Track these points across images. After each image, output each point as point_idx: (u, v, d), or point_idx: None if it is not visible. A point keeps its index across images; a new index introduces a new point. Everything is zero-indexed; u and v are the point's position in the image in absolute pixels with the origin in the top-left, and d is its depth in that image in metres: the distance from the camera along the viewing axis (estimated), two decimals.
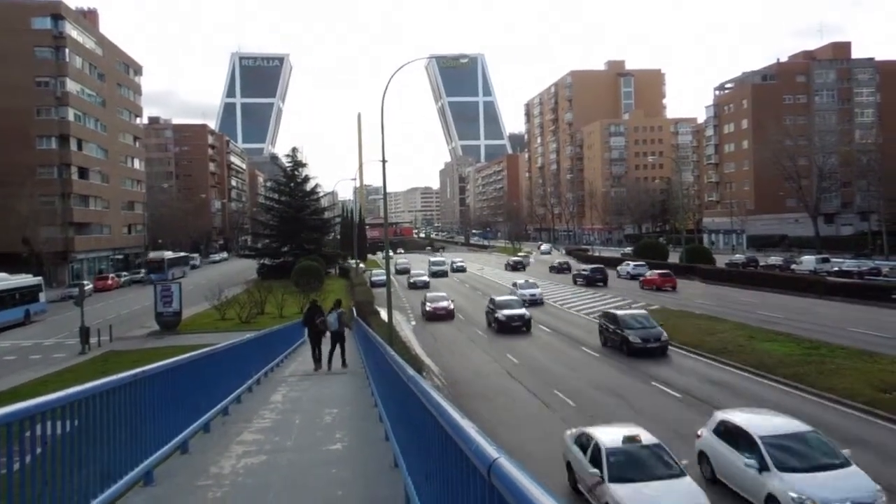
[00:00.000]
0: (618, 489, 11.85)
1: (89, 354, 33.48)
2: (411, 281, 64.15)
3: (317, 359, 20.04)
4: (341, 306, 21.62)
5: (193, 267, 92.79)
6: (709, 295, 48.23)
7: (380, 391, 11.08)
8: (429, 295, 45.85)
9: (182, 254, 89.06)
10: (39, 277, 51.43)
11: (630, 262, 66.52)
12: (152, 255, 79.22)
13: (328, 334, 20.35)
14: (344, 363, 20.11)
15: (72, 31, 74.61)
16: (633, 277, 59.77)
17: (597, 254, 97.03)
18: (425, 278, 64.84)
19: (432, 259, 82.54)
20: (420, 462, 5.25)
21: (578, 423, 16.46)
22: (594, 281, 58.40)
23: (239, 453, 9.00)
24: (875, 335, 29.20)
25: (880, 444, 15.93)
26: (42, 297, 50.34)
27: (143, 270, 78.47)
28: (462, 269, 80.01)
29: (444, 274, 75.20)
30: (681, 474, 12.37)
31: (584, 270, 61.91)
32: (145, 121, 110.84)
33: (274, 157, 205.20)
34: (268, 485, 7.53)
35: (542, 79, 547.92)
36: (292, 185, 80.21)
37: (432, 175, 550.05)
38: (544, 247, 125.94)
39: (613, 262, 72.89)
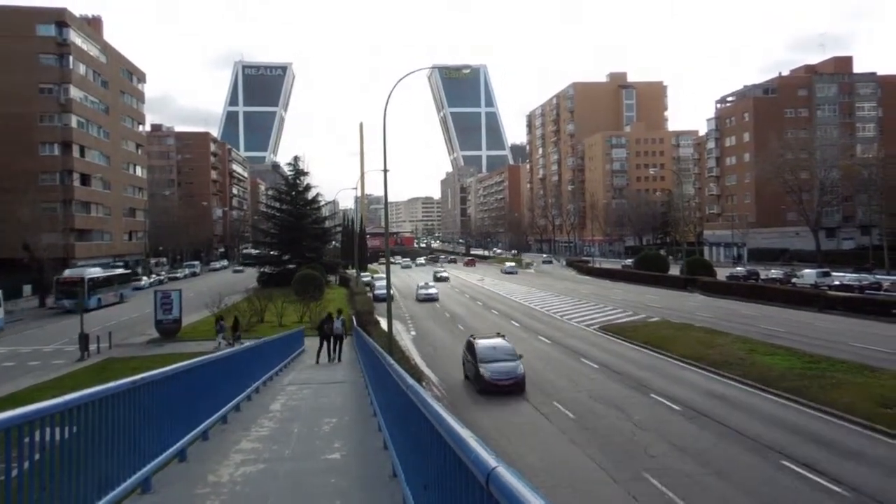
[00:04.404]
0: None
1: (88, 361, 33.36)
2: None
3: (320, 354, 27.34)
4: (342, 315, 29.05)
5: (138, 288, 70.82)
6: (709, 307, 48.22)
7: (379, 400, 11.06)
8: (421, 283, 50.48)
9: (118, 271, 67.12)
10: None
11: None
12: (68, 272, 56.62)
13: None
14: (339, 358, 27.50)
15: (76, 39, 74.89)
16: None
17: (597, 265, 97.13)
18: None
19: None
20: (419, 471, 5.23)
21: (578, 434, 16.29)
22: (433, 261, 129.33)
23: (237, 462, 8.97)
24: (876, 350, 29.12)
25: (880, 459, 15.87)
26: (0, 311, 46.23)
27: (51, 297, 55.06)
28: None
29: None
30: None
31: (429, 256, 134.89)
32: (148, 128, 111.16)
33: (276, 166, 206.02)
34: (266, 494, 7.50)
35: (545, 90, 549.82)
36: (293, 193, 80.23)
37: (434, 185, 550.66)
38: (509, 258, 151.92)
39: (616, 274, 71.93)
